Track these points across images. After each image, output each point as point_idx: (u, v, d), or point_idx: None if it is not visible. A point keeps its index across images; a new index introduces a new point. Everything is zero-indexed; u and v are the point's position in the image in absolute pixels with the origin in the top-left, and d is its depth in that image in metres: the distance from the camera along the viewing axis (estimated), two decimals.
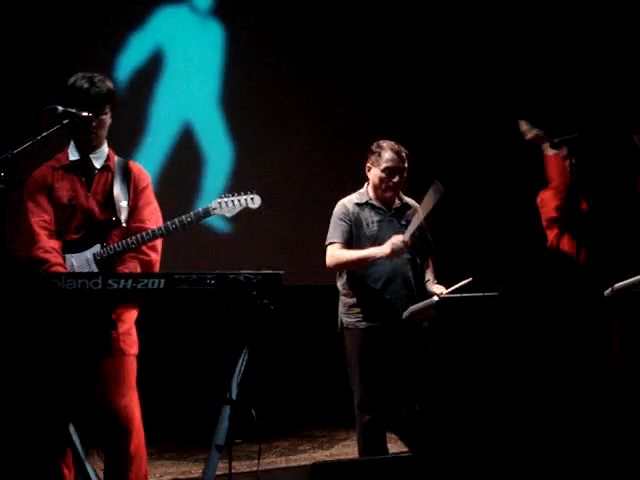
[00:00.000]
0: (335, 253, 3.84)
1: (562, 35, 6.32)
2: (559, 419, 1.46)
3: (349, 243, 3.87)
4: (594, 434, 1.45)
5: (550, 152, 4.24)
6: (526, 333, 1.50)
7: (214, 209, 3.31)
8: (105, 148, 3.35)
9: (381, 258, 3.75)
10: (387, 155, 3.87)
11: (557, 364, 1.49)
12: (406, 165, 3.91)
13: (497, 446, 1.46)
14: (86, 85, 3.18)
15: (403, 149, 3.93)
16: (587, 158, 4.40)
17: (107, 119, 3.29)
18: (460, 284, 3.74)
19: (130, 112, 5.34)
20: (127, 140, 5.23)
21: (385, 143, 3.92)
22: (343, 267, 3.88)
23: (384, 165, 3.87)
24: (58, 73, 4.93)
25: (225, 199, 3.33)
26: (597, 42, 6.12)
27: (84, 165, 3.29)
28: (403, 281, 3.86)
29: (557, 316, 1.49)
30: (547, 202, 4.34)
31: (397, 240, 3.71)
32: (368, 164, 3.95)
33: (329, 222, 3.95)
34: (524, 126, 4.37)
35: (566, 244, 4.15)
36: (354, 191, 4.02)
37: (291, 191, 6.11)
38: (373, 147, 3.94)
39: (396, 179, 3.88)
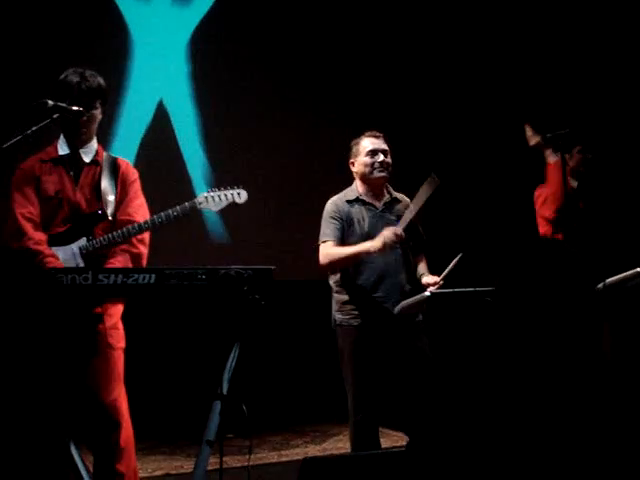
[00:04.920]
0: (328, 251, 3.82)
1: (557, 30, 6.33)
2: (554, 412, 1.46)
3: (341, 240, 3.86)
4: (589, 426, 1.45)
5: (552, 160, 4.24)
6: (523, 324, 1.49)
7: (200, 203, 3.31)
8: (94, 143, 3.35)
9: (374, 252, 3.71)
10: (365, 141, 3.93)
11: (553, 355, 1.48)
12: (387, 147, 3.94)
13: (492, 441, 1.46)
14: (77, 79, 3.19)
15: (379, 132, 3.96)
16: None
17: (97, 114, 3.29)
18: (451, 265, 3.65)
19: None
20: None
21: (360, 136, 3.96)
22: (337, 265, 3.85)
23: (365, 150, 3.90)
24: (46, 66, 4.93)
25: (212, 193, 3.34)
26: (594, 41, 6.13)
27: (73, 159, 3.29)
28: (396, 278, 3.84)
29: (556, 305, 1.49)
30: (545, 202, 4.37)
31: (389, 232, 3.68)
32: (351, 160, 3.98)
33: (320, 216, 3.94)
34: (529, 132, 4.36)
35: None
36: (344, 184, 4.02)
37: (282, 186, 6.10)
38: (351, 144, 3.98)
39: (381, 158, 3.89)
